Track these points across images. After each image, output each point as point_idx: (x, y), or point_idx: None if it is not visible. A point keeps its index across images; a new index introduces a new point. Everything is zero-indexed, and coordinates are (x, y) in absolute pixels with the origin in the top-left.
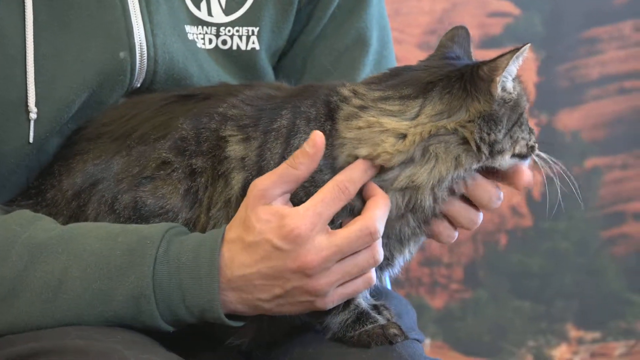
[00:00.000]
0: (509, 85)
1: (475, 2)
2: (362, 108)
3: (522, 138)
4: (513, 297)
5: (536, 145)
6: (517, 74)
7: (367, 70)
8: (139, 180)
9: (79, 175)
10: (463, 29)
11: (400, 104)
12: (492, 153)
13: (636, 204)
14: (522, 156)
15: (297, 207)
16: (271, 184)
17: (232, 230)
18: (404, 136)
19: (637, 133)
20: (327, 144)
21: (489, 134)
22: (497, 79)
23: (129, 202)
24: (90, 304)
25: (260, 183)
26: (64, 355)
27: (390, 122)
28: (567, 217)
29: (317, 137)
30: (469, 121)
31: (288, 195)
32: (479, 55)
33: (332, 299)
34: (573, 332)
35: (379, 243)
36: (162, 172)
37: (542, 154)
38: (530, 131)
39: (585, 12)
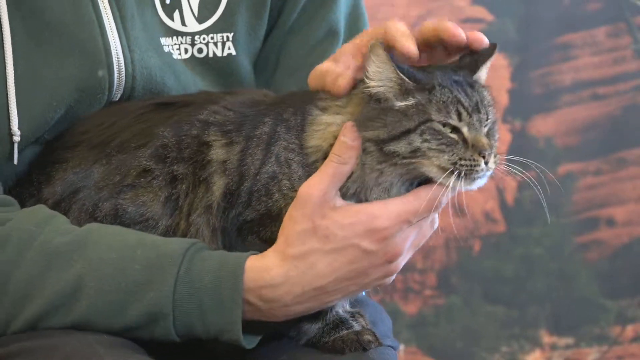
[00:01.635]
0: (374, 83)
1: (449, 8)
2: (324, 109)
3: (430, 149)
4: (486, 303)
5: (471, 165)
6: (396, 80)
7: None
8: (120, 188)
9: (59, 183)
10: (491, 45)
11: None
12: (383, 153)
13: (609, 209)
14: (448, 170)
15: (386, 208)
16: (328, 185)
17: (297, 245)
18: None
19: (611, 139)
20: (300, 152)
21: (365, 129)
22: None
23: (109, 210)
24: (103, 314)
25: (316, 188)
26: (46, 355)
27: (329, 118)
28: (540, 222)
29: (353, 127)
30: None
31: (339, 193)
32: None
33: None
34: (546, 338)
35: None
36: (142, 179)
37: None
38: (454, 146)
39: (559, 18)
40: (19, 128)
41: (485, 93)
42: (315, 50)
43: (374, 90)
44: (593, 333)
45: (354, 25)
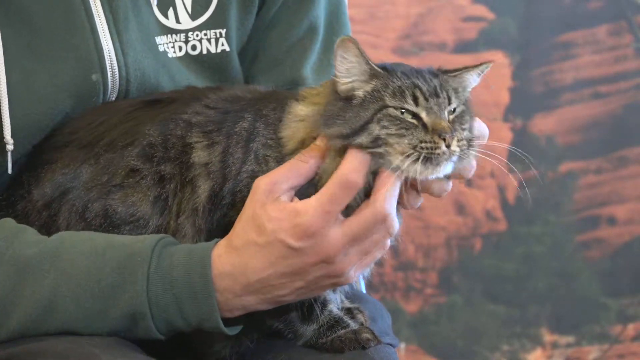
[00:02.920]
0: (346, 79)
1: (450, 7)
2: (301, 99)
3: (389, 134)
4: (487, 302)
5: (432, 148)
6: (370, 72)
7: (314, 57)
8: (109, 188)
9: (48, 185)
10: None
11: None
12: (351, 146)
13: (610, 208)
14: (409, 154)
15: (308, 202)
16: (280, 176)
17: (240, 234)
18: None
19: (612, 137)
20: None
21: (328, 127)
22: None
23: (99, 211)
24: (84, 322)
25: (266, 178)
26: (43, 359)
27: (303, 109)
28: (541, 221)
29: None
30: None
31: (293, 192)
32: (455, 59)
33: (355, 274)
34: (547, 337)
35: (392, 217)
36: (131, 179)
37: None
38: (414, 129)
39: (560, 17)
40: (12, 137)
41: (450, 81)
42: (295, 47)
43: (346, 87)
44: (594, 332)
45: (335, 24)
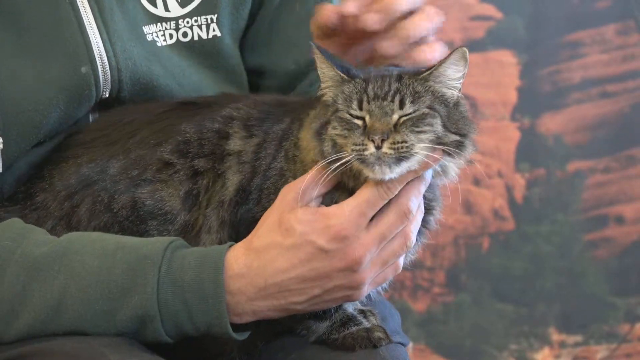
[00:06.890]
0: (323, 84)
1: (458, 6)
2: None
3: (337, 135)
4: (495, 301)
5: (362, 150)
6: (335, 77)
7: None
8: (138, 182)
9: (74, 177)
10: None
11: None
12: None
13: (618, 207)
14: (351, 155)
15: (341, 206)
16: (309, 184)
17: (262, 236)
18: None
19: (620, 136)
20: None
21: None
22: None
23: (127, 202)
24: (93, 323)
25: (294, 185)
26: (52, 358)
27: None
28: (549, 220)
29: None
30: None
31: (320, 200)
32: None
33: (367, 290)
34: (555, 336)
35: (411, 229)
36: (163, 174)
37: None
38: (353, 132)
39: (568, 16)
40: (2, 135)
41: (417, 84)
42: (306, 24)
43: (322, 92)
44: (602, 331)
45: None
